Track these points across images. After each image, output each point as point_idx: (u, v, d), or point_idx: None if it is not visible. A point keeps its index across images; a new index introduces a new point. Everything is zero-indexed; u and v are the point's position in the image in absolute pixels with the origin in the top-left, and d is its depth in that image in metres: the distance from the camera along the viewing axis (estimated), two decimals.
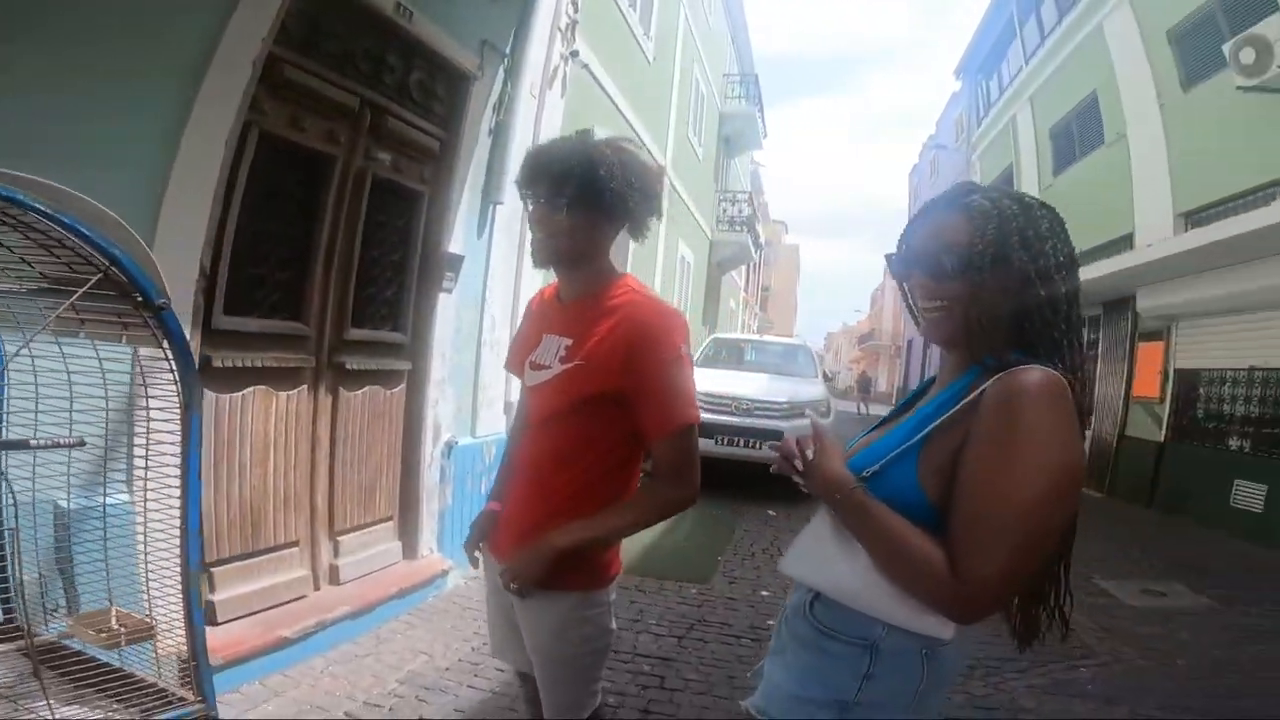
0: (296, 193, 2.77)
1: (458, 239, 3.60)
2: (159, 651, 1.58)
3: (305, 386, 2.90)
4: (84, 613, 1.55)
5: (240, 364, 2.56)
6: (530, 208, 1.43)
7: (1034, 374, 0.96)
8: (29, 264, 1.25)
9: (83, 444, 1.36)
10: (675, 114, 9.65)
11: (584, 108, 5.42)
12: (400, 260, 3.37)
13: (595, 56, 5.73)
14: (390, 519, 3.49)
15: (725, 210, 14.36)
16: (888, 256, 1.15)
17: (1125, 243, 8.64)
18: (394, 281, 3.35)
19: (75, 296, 1.15)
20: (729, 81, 14.75)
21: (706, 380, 7.80)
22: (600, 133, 4.84)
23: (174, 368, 1.37)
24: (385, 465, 3.41)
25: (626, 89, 6.77)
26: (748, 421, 6.76)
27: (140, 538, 1.64)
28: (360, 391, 3.18)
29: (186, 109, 2.16)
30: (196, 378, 1.43)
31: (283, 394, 2.78)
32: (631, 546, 4.88)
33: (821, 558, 1.10)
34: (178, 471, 1.58)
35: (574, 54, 4.85)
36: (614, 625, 1.55)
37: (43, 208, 1.07)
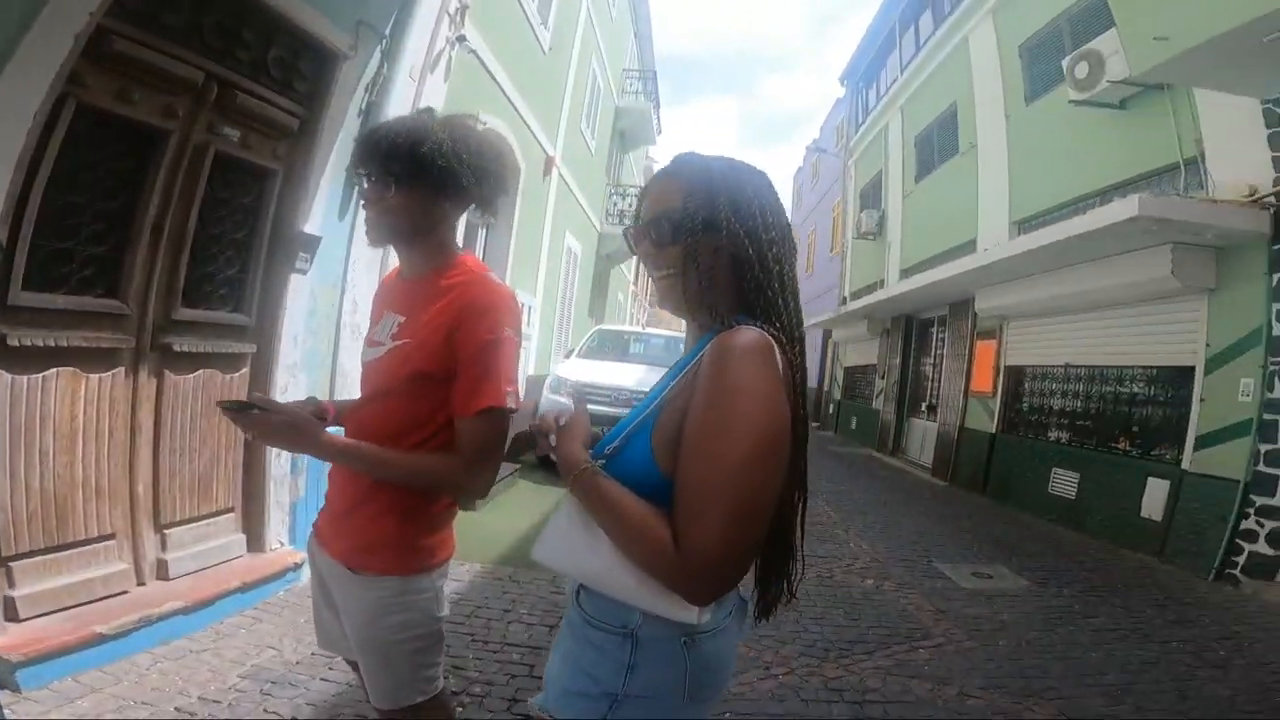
0: (119, 166, 2.54)
1: (315, 219, 3.39)
2: None
3: (122, 369, 2.64)
4: None
5: (42, 343, 2.32)
6: (364, 186, 1.43)
7: (740, 334, 0.96)
8: None
9: None
10: (569, 106, 9.50)
11: (469, 93, 5.22)
12: (245, 239, 3.14)
13: (486, 43, 5.56)
14: (231, 510, 3.26)
15: (616, 204, 14.34)
16: (624, 232, 1.16)
17: (970, 247, 9.33)
18: (236, 261, 3.11)
19: None
20: (628, 76, 14.71)
21: (589, 371, 7.79)
22: (486, 119, 4.65)
23: None
24: (224, 454, 3.16)
25: (517, 77, 6.58)
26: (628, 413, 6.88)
27: None
28: (192, 375, 2.93)
29: None
30: None
31: (94, 376, 2.52)
32: (506, 537, 4.84)
33: (570, 542, 1.07)
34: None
35: (461, 39, 4.70)
36: (443, 612, 1.52)
37: None
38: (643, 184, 1.18)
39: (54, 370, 2.40)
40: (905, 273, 12.05)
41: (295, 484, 3.53)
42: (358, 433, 1.45)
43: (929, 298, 10.33)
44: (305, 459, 3.57)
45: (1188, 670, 3.30)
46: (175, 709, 2.27)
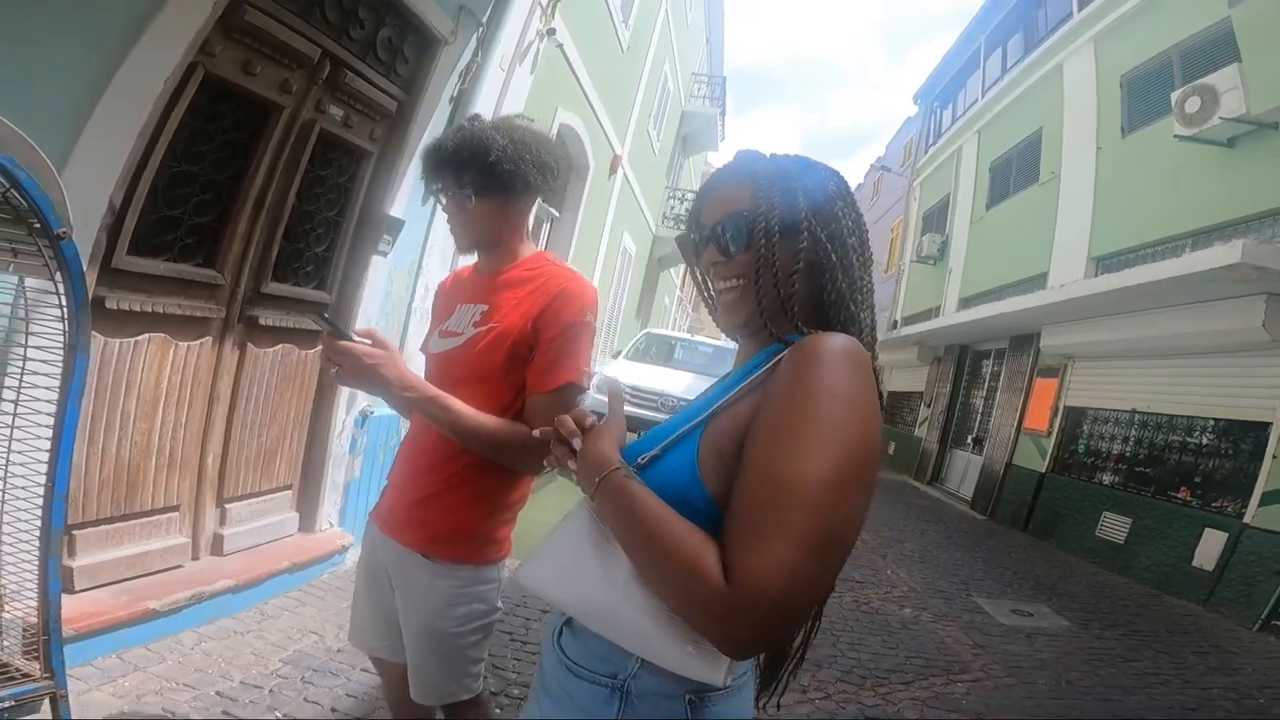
0: (233, 138, 2.59)
1: (400, 203, 3.46)
2: (2, 619, 1.46)
3: (210, 338, 2.70)
4: None
5: (137, 307, 2.36)
6: (442, 201, 1.47)
7: (831, 337, 0.81)
8: None
9: None
10: (640, 105, 9.59)
11: (551, 86, 5.31)
12: (335, 218, 3.21)
13: (571, 36, 5.62)
14: (289, 488, 3.31)
15: (673, 207, 14.35)
16: (678, 240, 1.03)
17: (1039, 281, 9.07)
18: (325, 239, 3.19)
19: None
20: (697, 81, 14.76)
21: (636, 374, 7.87)
22: (563, 115, 4.75)
23: (64, 303, 1.28)
24: (290, 430, 3.22)
25: (595, 74, 6.66)
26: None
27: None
28: (273, 349, 3.00)
29: (130, 41, 2.03)
30: (88, 316, 1.33)
31: (183, 344, 2.58)
32: (544, 534, 4.80)
33: (574, 564, 0.88)
34: (50, 420, 1.45)
35: (551, 32, 4.77)
36: (500, 605, 1.54)
37: None
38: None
39: (146, 336, 2.42)
40: (965, 302, 11.76)
41: (353, 464, 3.59)
42: (427, 430, 1.43)
43: (989, 330, 10.07)
44: (368, 439, 3.64)
45: (1227, 715, 3.24)
46: (217, 693, 2.25)
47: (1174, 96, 6.49)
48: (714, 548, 0.74)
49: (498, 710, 2.40)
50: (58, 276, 1.25)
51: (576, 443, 0.90)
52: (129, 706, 2.08)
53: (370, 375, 1.28)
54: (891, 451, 14.66)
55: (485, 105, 3.85)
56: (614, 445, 0.88)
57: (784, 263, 0.90)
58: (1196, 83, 6.26)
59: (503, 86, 4.08)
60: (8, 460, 1.45)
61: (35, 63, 1.83)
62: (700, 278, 1.01)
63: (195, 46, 2.24)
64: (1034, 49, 10.66)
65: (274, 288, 2.90)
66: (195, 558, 2.81)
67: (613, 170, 8.65)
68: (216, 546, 2.90)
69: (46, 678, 1.39)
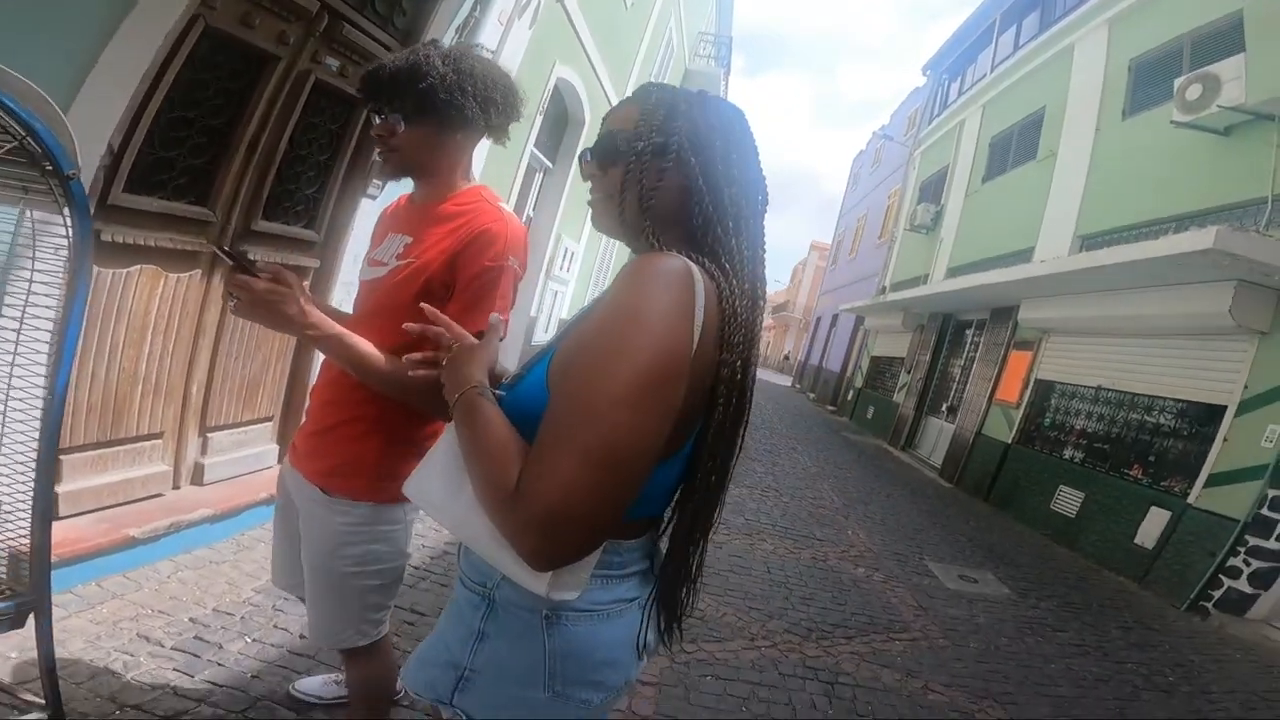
0: (229, 86, 2.64)
1: None
2: None
3: (200, 271, 2.78)
4: None
5: (131, 240, 2.42)
6: (374, 121, 1.41)
7: (657, 258, 0.82)
8: None
9: None
10: (640, 63, 9.41)
11: (550, 41, 5.25)
12: (327, 162, 3.26)
13: None
14: (270, 419, 3.40)
15: None
16: (581, 154, 1.03)
17: (1026, 255, 9.20)
18: (316, 181, 3.24)
19: None
20: (703, 40, 14.42)
21: None
22: (560, 69, 4.68)
23: (70, 236, 1.35)
24: (274, 363, 3.31)
25: (597, 30, 6.56)
26: None
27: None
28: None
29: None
30: (90, 247, 1.39)
31: (173, 275, 2.65)
32: None
33: (437, 478, 0.93)
34: (46, 346, 1.51)
35: None
36: (409, 549, 1.49)
37: None
38: None
39: (138, 266, 2.48)
40: (953, 271, 11.90)
41: None
42: None
43: (972, 300, 10.21)
44: None
45: (1134, 691, 3.45)
46: (190, 619, 2.30)
47: (1177, 83, 6.52)
48: (519, 461, 0.78)
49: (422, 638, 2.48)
50: (66, 212, 1.32)
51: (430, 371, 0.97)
52: (105, 633, 2.13)
53: (269, 311, 1.21)
54: (870, 416, 14.97)
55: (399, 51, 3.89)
56: (478, 367, 0.94)
57: (649, 180, 0.92)
58: (1200, 70, 6.28)
59: (500, 40, 4.07)
60: (10, 383, 1.49)
61: (43, 15, 1.90)
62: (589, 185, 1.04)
63: (197, 1, 2.29)
64: (1049, 28, 10.55)
65: (264, 225, 2.96)
66: (176, 486, 2.89)
67: None
68: (197, 476, 2.98)
69: (32, 595, 1.45)
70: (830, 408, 18.62)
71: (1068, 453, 7.61)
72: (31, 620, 1.49)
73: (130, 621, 2.23)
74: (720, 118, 0.97)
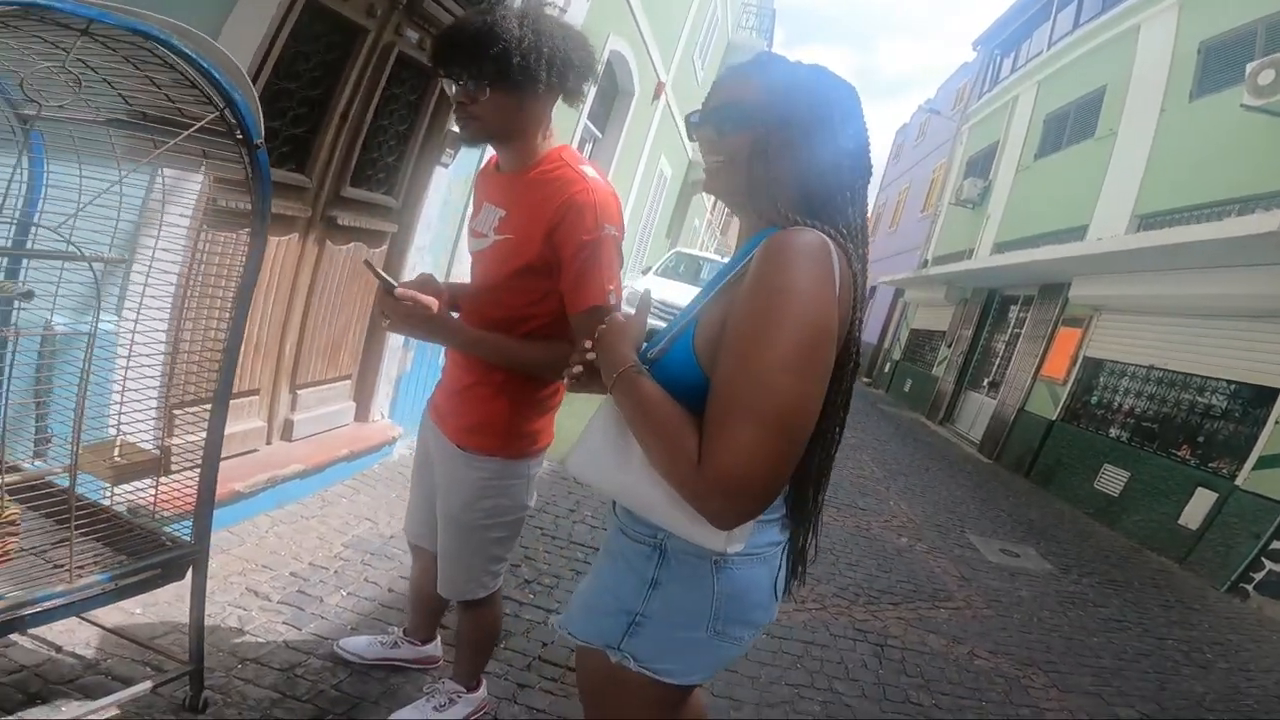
0: (325, 59, 2.74)
1: None
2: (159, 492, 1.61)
3: (297, 235, 2.89)
4: (92, 444, 1.57)
5: (241, 205, 2.54)
6: (450, 89, 1.38)
7: (796, 232, 0.88)
8: (124, 96, 1.31)
9: (125, 262, 1.45)
10: (687, 33, 9.37)
11: (605, 12, 5.29)
12: (405, 131, 3.37)
13: None
14: (349, 378, 3.53)
15: None
16: (688, 116, 1.08)
17: (1079, 233, 9.06)
18: (396, 150, 3.36)
19: (194, 128, 1.25)
20: (746, 11, 14.17)
21: (664, 289, 8.26)
22: (614, 41, 4.71)
23: (256, 201, 1.47)
24: (354, 322, 3.43)
25: (647, 2, 6.54)
26: None
27: (156, 366, 1.69)
28: (346, 246, 3.19)
29: None
30: (269, 213, 1.50)
31: (274, 238, 2.76)
32: (576, 439, 5.11)
33: (603, 452, 0.99)
34: (215, 304, 1.64)
35: None
36: (531, 501, 1.58)
37: (189, 52, 1.16)
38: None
39: (247, 230, 2.63)
40: (1000, 247, 11.74)
41: (405, 358, 3.80)
42: (475, 320, 1.48)
43: (1020, 276, 10.09)
44: None
45: (1174, 666, 3.53)
46: (290, 574, 2.40)
47: (1249, 67, 6.40)
48: (694, 432, 0.84)
49: (530, 596, 2.65)
50: (251, 178, 1.43)
51: (590, 356, 1.01)
52: (218, 587, 2.20)
53: (414, 326, 1.37)
54: (907, 389, 14.90)
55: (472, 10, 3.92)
56: (629, 346, 0.98)
57: (774, 150, 0.97)
58: (1275, 55, 6.18)
59: (559, 12, 4.11)
60: (132, 338, 1.61)
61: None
62: (700, 148, 1.08)
63: None
64: (1112, 7, 10.23)
65: (351, 192, 3.09)
66: (269, 442, 3.01)
67: (656, 96, 8.59)
68: (287, 431, 3.10)
69: (196, 547, 1.57)
70: (866, 379, 18.49)
71: (1114, 431, 7.57)
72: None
73: (239, 576, 2.33)
74: (837, 92, 1.00)
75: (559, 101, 1.45)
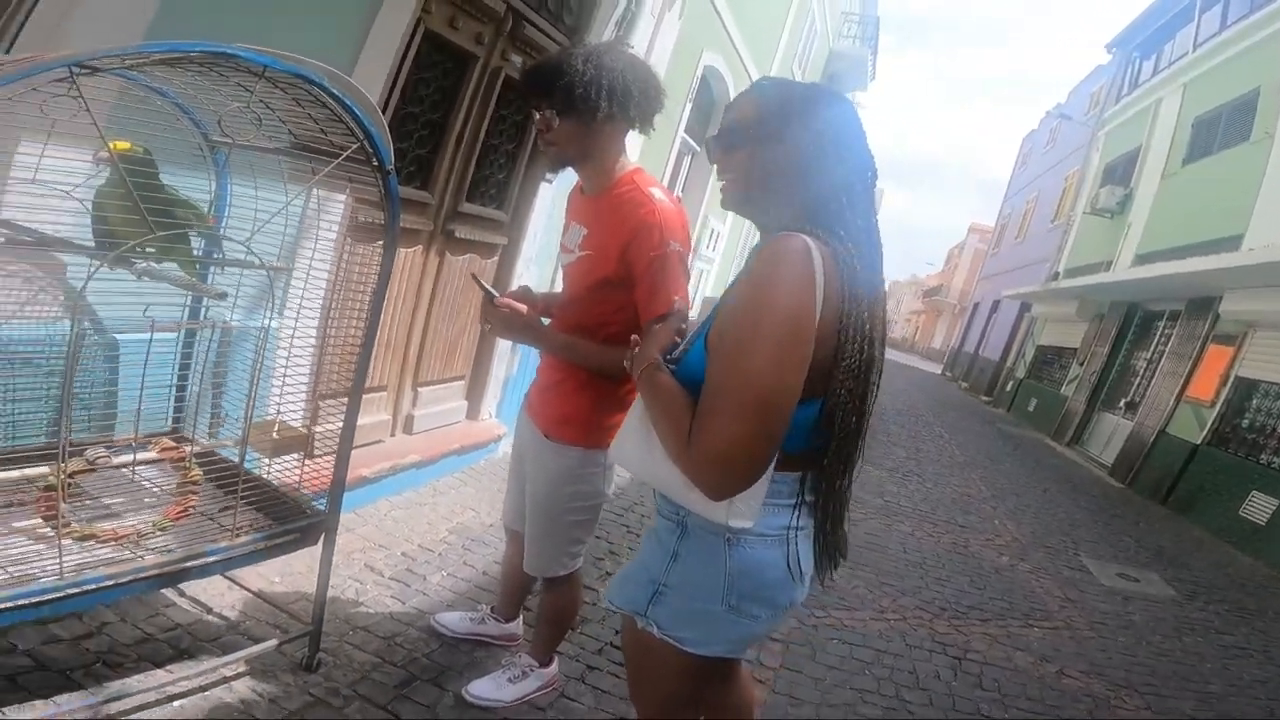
0: (443, 84, 3.05)
1: None
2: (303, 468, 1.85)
3: (421, 246, 3.20)
4: (259, 422, 1.82)
5: (376, 220, 2.91)
6: (535, 119, 1.60)
7: (781, 238, 0.97)
8: (290, 130, 1.58)
9: (286, 270, 1.72)
10: (784, 45, 9.42)
11: (697, 31, 5.48)
12: (514, 150, 3.67)
13: None
14: (462, 378, 3.83)
15: None
16: (706, 140, 1.19)
17: (1232, 243, 8.25)
18: (506, 168, 3.66)
19: (342, 157, 1.51)
20: (846, 20, 14.02)
21: None
22: (708, 56, 4.90)
23: (387, 218, 1.69)
24: (468, 327, 3.72)
25: (740, 17, 6.70)
26: None
27: (307, 360, 1.92)
28: (462, 258, 3.49)
29: (377, 6, 2.47)
30: (399, 228, 1.75)
31: (404, 250, 3.09)
32: None
33: (634, 440, 1.12)
34: (354, 308, 1.87)
35: None
36: (608, 490, 1.72)
37: (337, 93, 1.41)
38: None
39: (380, 242, 2.98)
40: (1142, 258, 10.87)
41: (512, 361, 4.10)
42: (563, 326, 1.68)
43: (1165, 289, 9.42)
44: None
45: None
46: (401, 553, 2.68)
47: None
48: (690, 417, 0.96)
49: (609, 574, 2.81)
50: (384, 200, 1.65)
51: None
52: (341, 562, 2.41)
53: (512, 330, 1.61)
54: (1031, 409, 14.02)
55: (637, 50, 4.11)
56: (654, 348, 1.11)
57: (769, 163, 1.07)
58: None
59: (654, 32, 4.29)
60: (293, 334, 1.84)
61: (312, 31, 2.30)
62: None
63: (419, 6, 2.63)
64: (1264, 6, 9.37)
65: (467, 207, 3.40)
66: (392, 434, 3.30)
67: None
68: (407, 426, 3.39)
69: (329, 514, 1.81)
70: (985, 398, 17.54)
71: (1265, 457, 6.89)
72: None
73: (359, 553, 2.59)
74: (829, 107, 1.08)
75: (634, 129, 1.63)
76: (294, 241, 2.21)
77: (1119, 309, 11.49)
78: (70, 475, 1.51)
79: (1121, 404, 10.44)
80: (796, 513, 1.08)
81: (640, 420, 1.10)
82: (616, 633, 2.45)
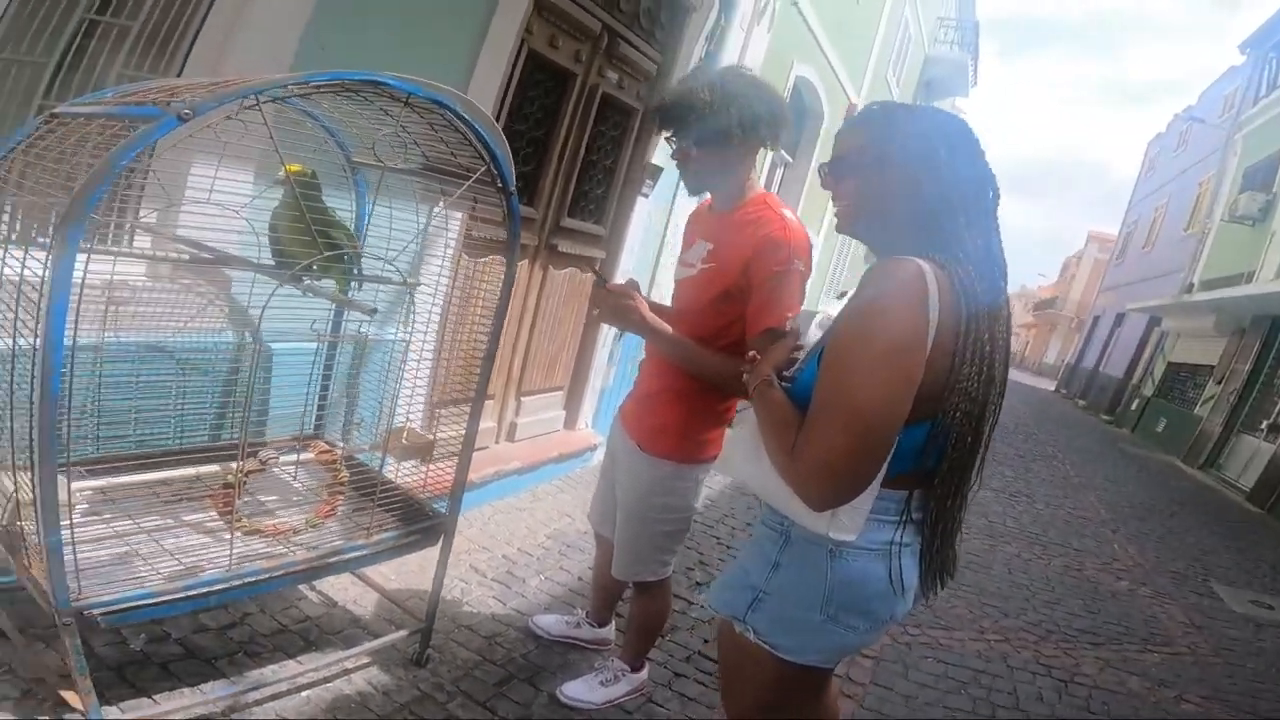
0: (545, 102, 3.20)
1: (659, 152, 3.94)
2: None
3: (527, 261, 3.32)
4: (394, 428, 1.98)
5: (486, 235, 2.94)
6: (672, 147, 1.68)
7: (893, 262, 0.98)
8: (424, 153, 1.68)
9: (418, 285, 1.84)
10: (877, 53, 9.26)
11: (787, 42, 5.50)
12: (611, 165, 3.79)
13: None
14: (561, 389, 3.92)
15: None
16: (819, 168, 1.19)
17: None
18: (604, 183, 3.79)
19: (472, 180, 1.60)
20: (942, 26, 13.59)
21: None
22: (799, 68, 4.93)
23: (509, 235, 1.78)
24: (568, 340, 3.86)
25: (830, 26, 6.67)
26: None
27: (428, 370, 2.05)
28: (564, 271, 3.60)
29: (485, 27, 2.59)
30: (519, 244, 1.83)
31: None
32: None
33: (740, 452, 1.16)
34: (470, 319, 1.99)
35: None
36: (697, 504, 1.76)
37: (469, 118, 1.51)
38: None
39: (490, 257, 2.87)
40: None
41: (609, 373, 4.22)
42: None
43: None
44: (621, 352, 4.28)
45: None
46: (503, 556, 2.77)
47: None
48: (796, 433, 0.98)
49: (700, 597, 2.79)
50: (506, 219, 1.74)
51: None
52: (449, 563, 2.58)
53: (623, 317, 1.60)
54: (1160, 429, 12.98)
55: (728, 64, 4.07)
56: (769, 365, 1.13)
57: (881, 188, 1.08)
58: None
59: (743, 46, 4.34)
60: (422, 346, 1.93)
61: (432, 58, 2.44)
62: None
63: (522, 28, 2.73)
64: None
65: (569, 222, 3.53)
66: (496, 441, 3.41)
67: (846, 117, 8.52)
68: (510, 433, 3.50)
69: (449, 516, 1.87)
70: (1106, 417, 16.33)
71: None
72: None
73: (465, 555, 2.66)
74: (938, 127, 1.09)
75: (765, 149, 1.70)
76: (419, 258, 2.38)
77: (1262, 323, 10.49)
78: (245, 474, 1.66)
79: (1264, 425, 9.54)
80: (901, 530, 1.09)
81: (750, 432, 1.14)
82: (705, 641, 2.50)
